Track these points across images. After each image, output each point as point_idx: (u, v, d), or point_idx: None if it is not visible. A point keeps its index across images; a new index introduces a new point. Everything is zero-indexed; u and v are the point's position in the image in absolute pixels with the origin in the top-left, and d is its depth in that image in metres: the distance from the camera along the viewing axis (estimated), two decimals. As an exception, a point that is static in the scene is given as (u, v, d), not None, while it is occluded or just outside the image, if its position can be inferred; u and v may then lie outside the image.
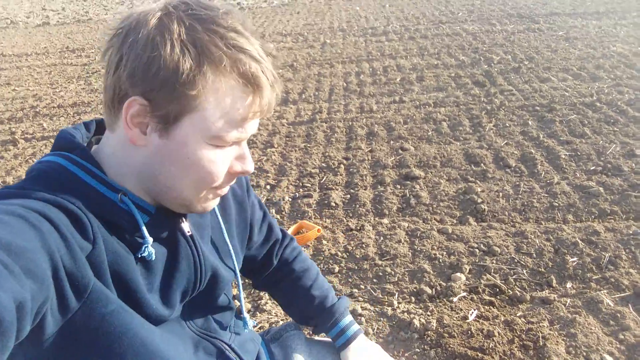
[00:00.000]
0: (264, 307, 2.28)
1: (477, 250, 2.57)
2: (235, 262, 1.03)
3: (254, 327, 1.15)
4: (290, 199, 3.20)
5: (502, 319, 2.10)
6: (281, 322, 2.07)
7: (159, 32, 0.72)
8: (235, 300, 1.20)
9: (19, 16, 11.80)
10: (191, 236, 0.89)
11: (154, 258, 0.81)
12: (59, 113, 5.19)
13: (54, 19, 11.14)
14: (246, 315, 1.11)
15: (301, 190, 3.29)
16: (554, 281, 2.32)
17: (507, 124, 4.03)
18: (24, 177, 0.80)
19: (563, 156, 3.41)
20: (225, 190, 0.86)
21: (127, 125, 0.75)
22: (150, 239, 0.80)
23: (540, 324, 2.05)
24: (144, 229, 0.80)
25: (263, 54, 0.77)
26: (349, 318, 1.24)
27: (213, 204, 0.87)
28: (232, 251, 1.02)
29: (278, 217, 3.02)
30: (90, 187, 0.77)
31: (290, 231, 2.78)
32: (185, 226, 0.89)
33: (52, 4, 13.42)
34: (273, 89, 0.78)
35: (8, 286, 0.52)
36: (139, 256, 0.79)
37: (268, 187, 3.38)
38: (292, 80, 5.61)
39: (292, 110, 4.76)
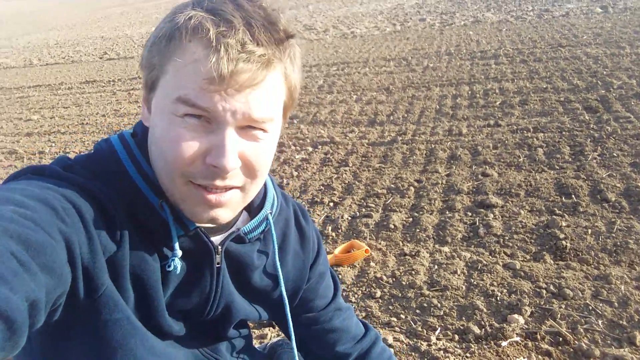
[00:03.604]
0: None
1: (544, 291, 2.22)
2: (288, 313, 0.98)
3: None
4: (349, 218, 3.07)
5: (556, 374, 1.76)
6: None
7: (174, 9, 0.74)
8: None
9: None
10: (218, 268, 0.86)
11: (178, 272, 0.79)
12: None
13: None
14: None
15: (363, 210, 3.14)
16: (638, 338, 1.90)
17: (614, 154, 3.50)
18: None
19: (679, 193, 2.85)
20: (213, 195, 0.74)
21: (142, 105, 0.80)
22: (179, 252, 0.79)
23: (604, 387, 1.68)
24: (176, 242, 0.79)
25: (240, 19, 0.69)
26: None
27: (202, 211, 0.76)
28: (286, 302, 0.97)
29: (333, 234, 2.91)
30: (135, 186, 0.78)
31: (339, 250, 2.65)
32: (217, 257, 0.85)
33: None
34: (232, 56, 0.68)
35: (22, 286, 0.52)
36: (166, 269, 0.79)
37: (331, 204, 3.29)
38: (384, 102, 5.49)
39: (377, 131, 4.63)
